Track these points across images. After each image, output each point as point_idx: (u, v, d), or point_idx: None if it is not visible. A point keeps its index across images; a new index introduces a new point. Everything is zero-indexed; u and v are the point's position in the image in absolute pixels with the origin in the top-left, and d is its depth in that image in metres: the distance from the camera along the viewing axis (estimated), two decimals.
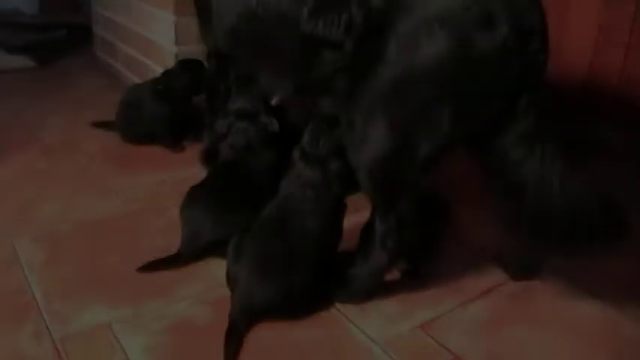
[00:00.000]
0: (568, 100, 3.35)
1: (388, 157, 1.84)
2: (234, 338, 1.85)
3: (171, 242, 2.27)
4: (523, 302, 2.12)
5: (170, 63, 3.23)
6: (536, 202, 1.83)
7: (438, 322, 2.01)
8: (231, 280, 1.98)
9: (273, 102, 2.47)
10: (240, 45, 2.26)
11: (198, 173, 2.71)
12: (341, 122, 1.98)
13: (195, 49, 3.10)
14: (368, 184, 1.94)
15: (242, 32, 2.18)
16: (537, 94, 1.80)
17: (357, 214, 2.19)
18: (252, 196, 2.30)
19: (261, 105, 2.50)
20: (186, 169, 2.88)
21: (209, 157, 2.74)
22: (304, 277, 1.94)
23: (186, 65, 3.08)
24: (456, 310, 2.07)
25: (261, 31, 2.07)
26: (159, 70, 3.38)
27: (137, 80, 3.71)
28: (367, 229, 2.09)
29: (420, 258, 2.23)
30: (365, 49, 1.81)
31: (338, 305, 2.05)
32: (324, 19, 1.88)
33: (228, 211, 2.23)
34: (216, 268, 2.14)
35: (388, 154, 1.84)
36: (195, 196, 2.31)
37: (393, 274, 2.17)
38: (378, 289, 2.08)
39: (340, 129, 2.02)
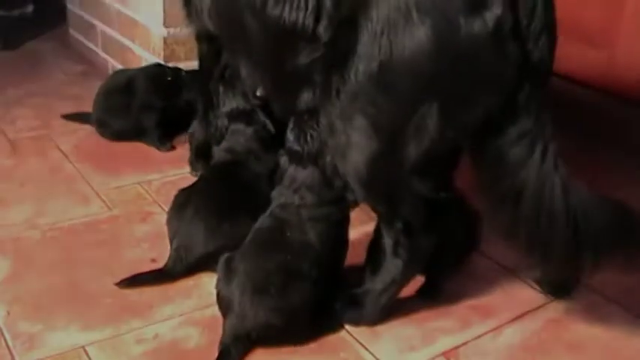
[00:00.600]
0: (623, 97, 3.35)
1: (374, 164, 1.85)
2: None
3: (158, 252, 2.30)
4: (562, 329, 2.12)
5: (158, 46, 3.25)
6: (536, 208, 1.81)
7: (464, 349, 2.02)
8: (222, 302, 1.97)
9: (258, 93, 2.48)
10: (218, 31, 2.30)
11: (188, 174, 2.74)
12: (321, 126, 2.00)
13: (186, 32, 3.12)
14: (360, 192, 1.96)
15: (217, 18, 2.23)
16: (540, 86, 1.78)
17: (368, 224, 2.20)
18: (251, 201, 2.30)
19: (257, 101, 2.51)
20: (175, 169, 2.91)
21: (202, 154, 2.76)
22: (306, 296, 1.94)
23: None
24: (484, 336, 2.08)
25: (233, 17, 2.11)
26: (144, 56, 3.41)
27: (119, 66, 3.73)
28: (375, 241, 2.11)
29: (441, 273, 2.24)
30: (339, 38, 1.83)
31: (348, 327, 2.06)
32: (290, 3, 1.90)
33: (223, 220, 2.22)
34: (208, 283, 2.14)
35: (374, 160, 1.85)
36: (184, 202, 2.30)
37: (411, 292, 2.17)
38: (392, 308, 2.09)
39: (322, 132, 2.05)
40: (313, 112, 2.06)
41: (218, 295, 1.98)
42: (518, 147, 1.78)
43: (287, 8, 1.91)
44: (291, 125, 2.13)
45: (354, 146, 1.85)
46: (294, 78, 2.04)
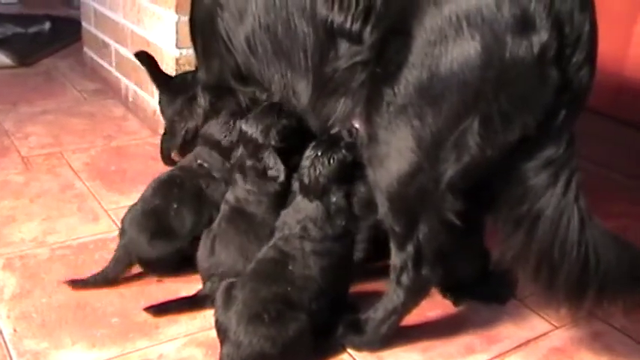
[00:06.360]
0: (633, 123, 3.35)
1: (410, 176, 1.85)
2: None
3: (166, 274, 2.31)
4: (566, 357, 2.11)
5: (170, 67, 3.26)
6: (549, 237, 1.82)
7: None
8: (220, 329, 1.97)
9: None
10: (257, 47, 2.25)
11: None
12: (359, 134, 2.01)
13: None
14: (384, 205, 1.95)
15: (260, 31, 2.20)
16: (575, 114, 1.79)
17: None
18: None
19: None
20: None
21: None
22: (302, 327, 1.92)
23: None
24: None
25: (279, 21, 2.11)
26: None
27: (132, 85, 3.75)
28: None
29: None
30: (386, 43, 1.83)
31: (351, 352, 2.06)
32: (340, 2, 1.91)
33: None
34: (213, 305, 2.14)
35: (410, 173, 1.85)
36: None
37: (417, 317, 2.16)
38: (396, 333, 2.08)
39: (348, 147, 2.07)
40: (331, 144, 2.08)
41: (216, 322, 1.98)
42: (543, 174, 1.80)
43: (336, 8, 1.92)
44: (307, 152, 2.13)
45: (394, 157, 1.86)
46: (333, 83, 2.05)
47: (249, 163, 2.24)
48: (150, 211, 2.32)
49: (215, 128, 2.46)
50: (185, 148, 2.77)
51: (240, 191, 2.27)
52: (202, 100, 2.62)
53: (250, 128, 2.25)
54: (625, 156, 3.60)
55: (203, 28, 2.52)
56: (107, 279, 2.24)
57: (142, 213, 2.32)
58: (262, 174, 2.23)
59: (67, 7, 5.68)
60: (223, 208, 2.30)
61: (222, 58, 2.42)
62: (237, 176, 2.28)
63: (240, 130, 2.29)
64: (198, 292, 2.21)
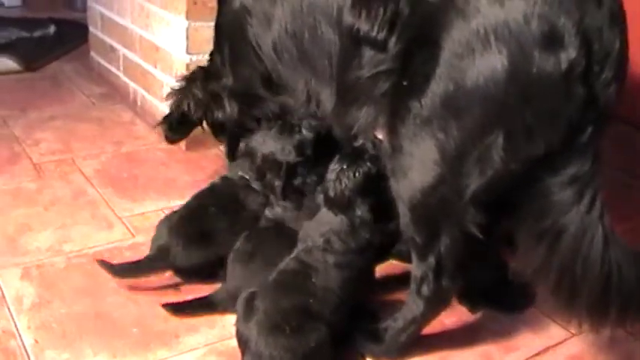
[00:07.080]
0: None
1: (433, 188, 1.85)
2: None
3: (181, 280, 2.31)
4: None
5: (180, 72, 3.25)
6: (572, 253, 1.80)
7: None
8: (241, 339, 1.97)
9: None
10: (283, 53, 2.27)
11: None
12: (382, 145, 2.01)
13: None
14: (407, 216, 1.95)
15: (286, 36, 2.21)
16: (601, 130, 1.78)
17: None
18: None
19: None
20: None
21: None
22: (322, 338, 1.93)
23: None
24: None
25: (305, 27, 2.12)
26: (166, 80, 3.42)
27: (140, 90, 3.76)
28: None
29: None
30: (411, 54, 1.84)
31: (369, 359, 2.07)
32: (367, 10, 1.90)
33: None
34: (231, 313, 2.13)
35: (434, 185, 1.85)
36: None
37: (434, 325, 2.16)
38: (414, 341, 2.09)
39: (372, 159, 2.10)
40: (356, 156, 2.09)
41: (237, 332, 1.99)
42: (568, 190, 1.78)
43: (363, 15, 1.92)
44: (332, 165, 2.14)
45: (418, 168, 1.86)
46: (356, 91, 2.05)
47: (277, 183, 2.26)
48: (185, 217, 2.36)
49: (256, 142, 2.47)
50: (179, 131, 2.87)
51: (276, 208, 2.33)
52: (229, 108, 2.63)
53: (270, 149, 2.29)
54: (625, 156, 3.59)
55: (231, 35, 2.52)
56: (136, 273, 2.29)
57: (179, 218, 2.36)
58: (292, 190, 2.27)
59: (70, 10, 5.68)
60: (263, 223, 2.34)
61: (253, 65, 2.42)
62: (271, 196, 2.33)
63: (262, 155, 2.31)
64: (214, 293, 2.23)
